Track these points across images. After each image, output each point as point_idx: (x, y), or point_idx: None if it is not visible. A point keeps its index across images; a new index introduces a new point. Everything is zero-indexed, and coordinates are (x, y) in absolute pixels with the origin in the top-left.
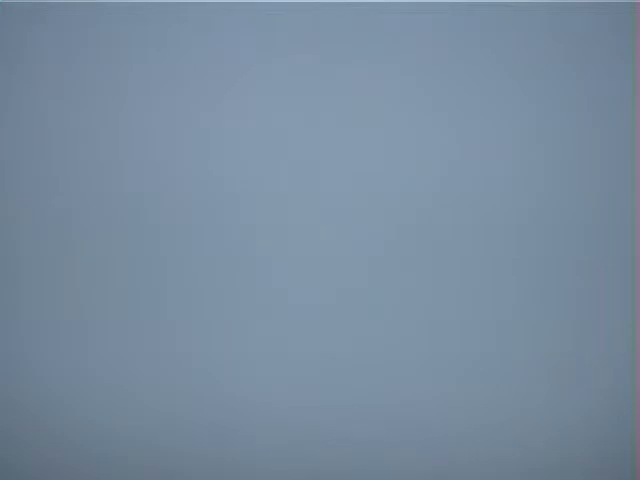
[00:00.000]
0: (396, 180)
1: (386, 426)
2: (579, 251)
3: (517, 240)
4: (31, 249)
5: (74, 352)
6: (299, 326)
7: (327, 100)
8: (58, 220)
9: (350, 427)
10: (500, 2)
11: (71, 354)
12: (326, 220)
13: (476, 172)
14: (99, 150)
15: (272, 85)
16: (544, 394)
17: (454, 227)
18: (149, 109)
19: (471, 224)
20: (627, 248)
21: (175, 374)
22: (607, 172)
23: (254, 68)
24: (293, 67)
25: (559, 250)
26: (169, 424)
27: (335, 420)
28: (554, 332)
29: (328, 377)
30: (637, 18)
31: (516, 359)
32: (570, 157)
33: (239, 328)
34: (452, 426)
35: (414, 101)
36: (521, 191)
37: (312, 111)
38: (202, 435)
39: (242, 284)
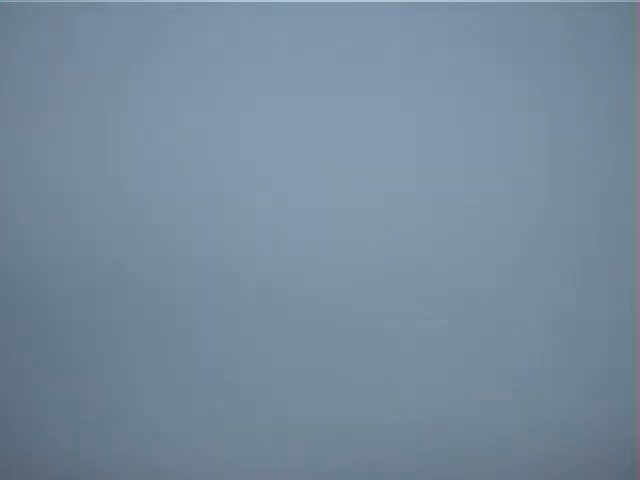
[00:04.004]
0: (397, 180)
1: (391, 427)
2: (579, 251)
3: (517, 240)
4: (31, 249)
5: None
6: (299, 334)
7: (327, 100)
8: (58, 221)
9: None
10: (500, 2)
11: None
12: (324, 221)
13: (476, 172)
14: (99, 149)
15: (272, 84)
16: (544, 395)
17: (455, 226)
18: (149, 109)
19: (471, 223)
20: (627, 248)
21: (176, 374)
22: (607, 172)
23: (253, 68)
24: (293, 67)
25: (559, 250)
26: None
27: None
28: (555, 333)
29: (331, 390)
30: (637, 18)
31: (515, 359)
32: (570, 157)
33: (238, 337)
34: (451, 424)
35: (415, 101)
36: (521, 190)
37: (312, 111)
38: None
39: (243, 287)
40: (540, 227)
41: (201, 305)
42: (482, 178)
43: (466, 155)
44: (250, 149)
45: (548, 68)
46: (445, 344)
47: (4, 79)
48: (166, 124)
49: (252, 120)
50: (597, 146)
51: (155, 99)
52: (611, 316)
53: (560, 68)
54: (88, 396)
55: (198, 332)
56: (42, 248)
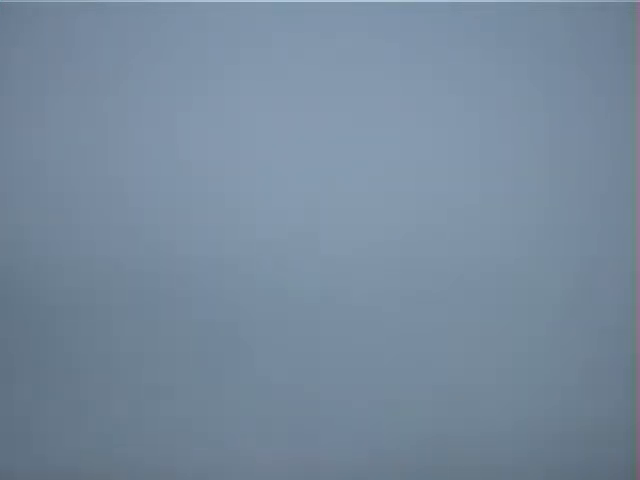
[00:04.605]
0: (397, 180)
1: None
2: (579, 251)
3: (517, 240)
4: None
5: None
6: (299, 331)
7: (327, 100)
8: (58, 221)
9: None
10: (500, 2)
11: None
12: (324, 221)
13: (476, 172)
14: (98, 149)
15: (272, 84)
16: (544, 394)
17: (455, 226)
18: (149, 109)
19: (471, 223)
20: (627, 248)
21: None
22: (607, 172)
23: (253, 68)
24: (293, 67)
25: (559, 250)
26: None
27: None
28: (555, 332)
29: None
30: (637, 18)
31: (515, 359)
32: (570, 156)
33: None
34: (451, 424)
35: (415, 101)
36: (521, 190)
37: (312, 111)
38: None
39: (242, 286)
40: (540, 227)
41: (200, 304)
42: (482, 178)
43: (466, 155)
44: (250, 149)
45: (548, 68)
46: (445, 343)
47: (4, 79)
48: (166, 124)
49: (252, 120)
50: (597, 146)
51: (155, 99)
52: (611, 316)
53: (560, 68)
54: (88, 396)
55: (197, 332)
56: (42, 248)
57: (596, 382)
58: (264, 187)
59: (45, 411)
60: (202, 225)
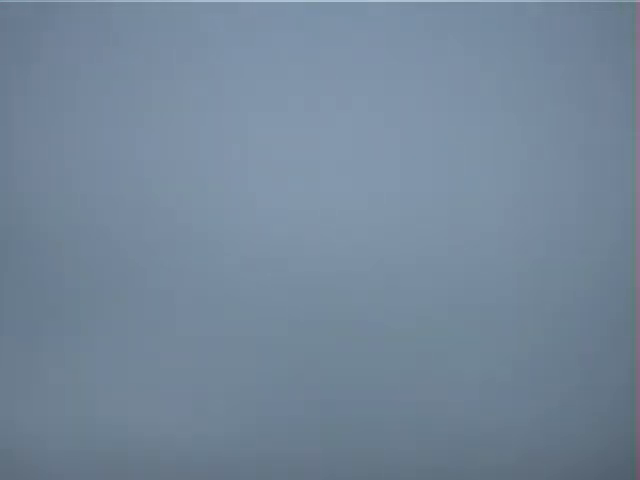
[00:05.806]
0: (397, 179)
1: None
2: (578, 252)
3: (517, 241)
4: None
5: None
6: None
7: (327, 101)
8: (59, 219)
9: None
10: (499, 2)
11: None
12: (327, 227)
13: (474, 173)
14: (97, 149)
15: (272, 85)
16: (544, 398)
17: (451, 228)
18: (149, 109)
19: (467, 224)
20: (627, 248)
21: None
22: (607, 173)
23: (253, 68)
24: (293, 68)
25: (558, 253)
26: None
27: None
28: (554, 336)
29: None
30: (637, 18)
31: (514, 358)
32: (569, 157)
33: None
34: (450, 425)
35: (415, 102)
36: (519, 191)
37: (312, 112)
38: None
39: (244, 286)
40: (539, 227)
41: (203, 303)
42: (481, 179)
43: (465, 155)
44: (249, 150)
45: (547, 68)
46: (444, 342)
47: (4, 79)
48: (165, 124)
49: (251, 120)
50: (597, 147)
51: (155, 99)
52: (611, 316)
53: (559, 68)
54: (89, 395)
55: (201, 329)
56: (46, 251)
57: (596, 381)
58: (264, 188)
59: (45, 409)
60: (201, 225)
